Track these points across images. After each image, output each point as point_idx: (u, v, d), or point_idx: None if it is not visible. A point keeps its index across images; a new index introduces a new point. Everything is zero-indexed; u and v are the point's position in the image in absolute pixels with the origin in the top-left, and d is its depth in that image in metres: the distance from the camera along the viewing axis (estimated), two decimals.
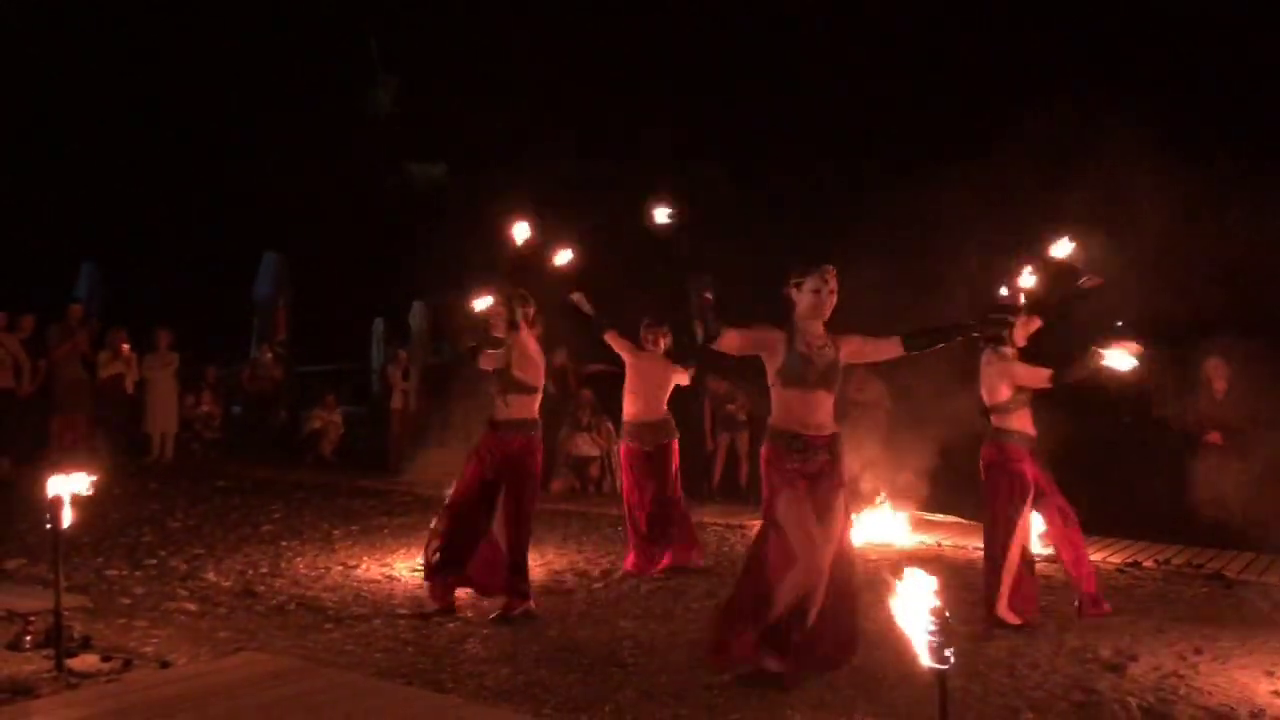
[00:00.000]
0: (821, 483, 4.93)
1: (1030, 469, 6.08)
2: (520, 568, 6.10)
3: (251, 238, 18.72)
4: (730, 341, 4.96)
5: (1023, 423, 6.10)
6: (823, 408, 4.99)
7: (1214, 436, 9.48)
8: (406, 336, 16.68)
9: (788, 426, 4.96)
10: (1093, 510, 9.09)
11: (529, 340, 6.22)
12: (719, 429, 11.88)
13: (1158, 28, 14.58)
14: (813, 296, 4.95)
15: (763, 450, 5.06)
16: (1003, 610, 5.98)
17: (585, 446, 11.73)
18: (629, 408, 7.64)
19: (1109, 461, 9.73)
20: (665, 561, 7.49)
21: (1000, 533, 6.03)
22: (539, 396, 6.28)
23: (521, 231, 6.57)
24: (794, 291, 5.01)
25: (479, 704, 4.57)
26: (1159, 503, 9.41)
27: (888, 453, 9.51)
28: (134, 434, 13.43)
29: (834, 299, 4.99)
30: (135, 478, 11.56)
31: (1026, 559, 6.12)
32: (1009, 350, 6.12)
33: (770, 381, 5.03)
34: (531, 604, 6.11)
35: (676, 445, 7.67)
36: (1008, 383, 6.06)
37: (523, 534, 6.14)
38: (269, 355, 15.94)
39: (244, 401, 15.84)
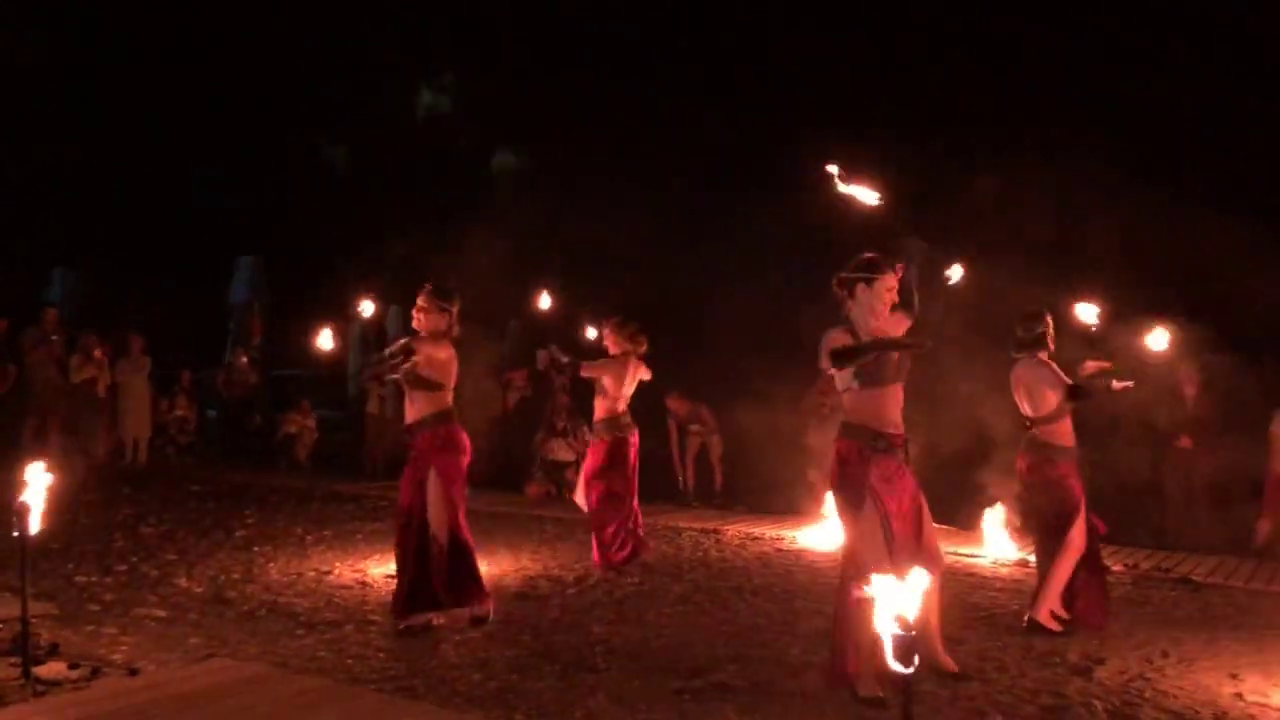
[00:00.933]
0: (899, 484, 4.83)
1: (1077, 482, 6.11)
2: (452, 569, 5.99)
3: (227, 241, 18.62)
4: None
5: (1067, 433, 6.12)
6: (899, 402, 4.92)
7: (1184, 441, 9.59)
8: (383, 341, 16.61)
9: (869, 424, 4.85)
10: None
11: (441, 342, 6.06)
12: (687, 441, 11.87)
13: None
14: (888, 295, 4.89)
15: (837, 448, 4.92)
16: (1043, 616, 6.02)
17: (561, 451, 11.74)
18: (604, 405, 7.95)
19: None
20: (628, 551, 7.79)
21: (1052, 546, 6.06)
22: (448, 393, 6.09)
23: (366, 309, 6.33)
24: (862, 286, 4.89)
25: (451, 710, 4.57)
26: (1129, 507, 9.50)
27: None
28: (107, 439, 13.34)
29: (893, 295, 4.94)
30: (108, 483, 11.48)
31: (1092, 566, 6.14)
32: (1044, 355, 6.14)
33: (844, 385, 4.91)
34: (489, 605, 6.10)
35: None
36: (1055, 389, 6.04)
37: (451, 534, 5.99)
38: (244, 359, 15.86)
39: (219, 406, 15.77)
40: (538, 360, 13.22)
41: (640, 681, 4.99)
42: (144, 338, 13.75)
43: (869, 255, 4.95)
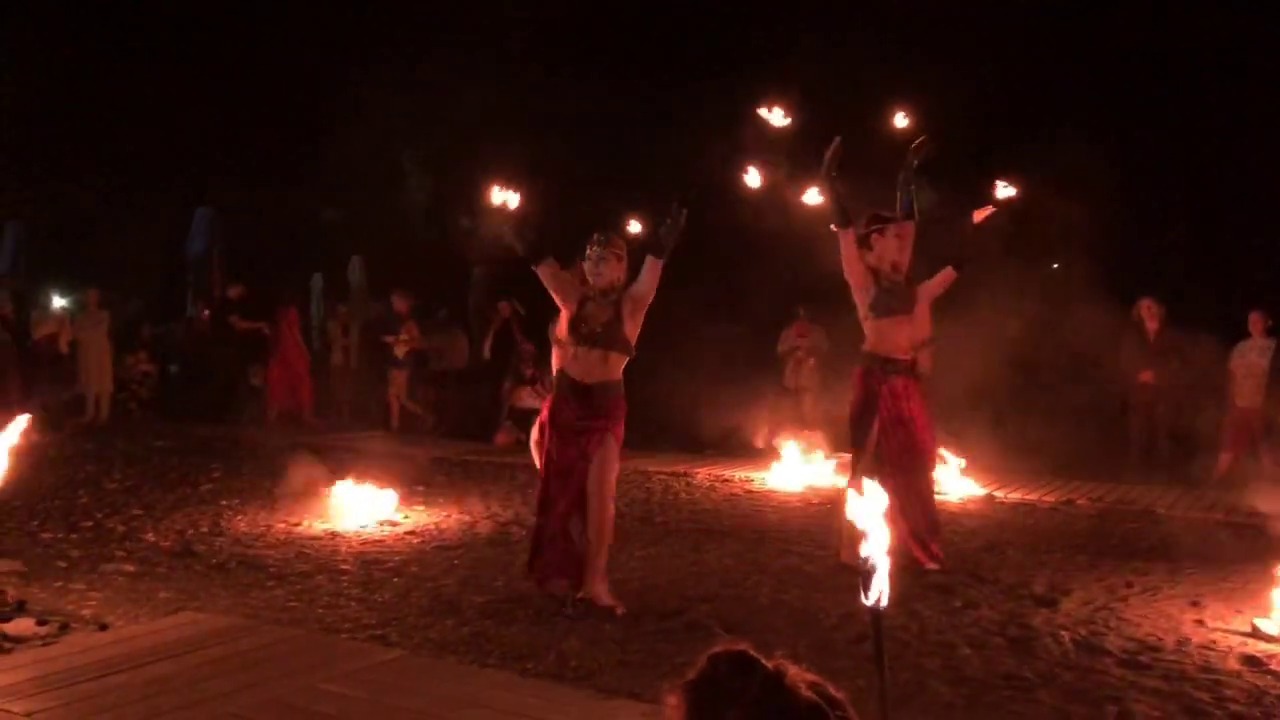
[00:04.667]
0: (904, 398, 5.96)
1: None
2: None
3: (182, 193, 18.25)
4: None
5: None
6: (908, 332, 6.06)
7: (1146, 376, 9.69)
8: (345, 292, 16.43)
9: (878, 351, 6.01)
10: (1030, 451, 9.31)
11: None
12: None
13: None
14: (896, 241, 5.93)
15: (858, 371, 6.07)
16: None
17: (529, 400, 11.68)
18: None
19: (1044, 403, 9.90)
20: None
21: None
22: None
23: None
24: (876, 237, 5.94)
25: (423, 656, 4.57)
26: (1094, 441, 9.63)
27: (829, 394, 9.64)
28: (68, 395, 13.14)
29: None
30: (70, 439, 11.33)
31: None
32: None
33: (863, 315, 6.02)
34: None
35: None
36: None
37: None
38: (206, 313, 15.63)
39: (181, 360, 15.56)
40: (500, 311, 13.09)
41: (613, 625, 5.01)
42: (100, 291, 13.50)
43: (876, 213, 6.01)
